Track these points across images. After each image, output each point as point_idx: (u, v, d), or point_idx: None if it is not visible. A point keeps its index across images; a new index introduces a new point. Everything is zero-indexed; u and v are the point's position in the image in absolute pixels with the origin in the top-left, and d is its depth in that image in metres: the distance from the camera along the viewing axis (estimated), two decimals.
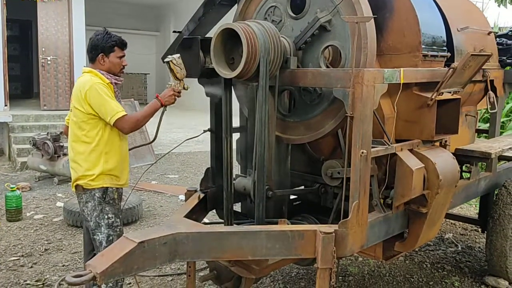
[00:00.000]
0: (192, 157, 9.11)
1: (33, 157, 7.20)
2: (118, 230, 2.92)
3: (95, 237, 2.90)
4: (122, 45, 2.94)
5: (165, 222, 2.89)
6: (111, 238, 2.87)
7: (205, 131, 3.33)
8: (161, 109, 2.93)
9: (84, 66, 2.97)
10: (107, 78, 2.87)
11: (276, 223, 2.71)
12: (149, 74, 18.37)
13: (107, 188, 2.86)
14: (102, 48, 2.86)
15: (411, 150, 2.81)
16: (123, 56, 2.95)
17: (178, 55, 2.82)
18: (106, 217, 2.87)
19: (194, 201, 3.10)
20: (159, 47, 18.53)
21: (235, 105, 2.98)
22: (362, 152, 2.39)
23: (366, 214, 2.53)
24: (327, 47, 2.72)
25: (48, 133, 7.21)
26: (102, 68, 2.89)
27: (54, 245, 4.65)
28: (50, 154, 6.82)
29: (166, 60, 2.78)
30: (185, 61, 3.00)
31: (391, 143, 2.72)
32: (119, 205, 2.95)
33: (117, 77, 2.93)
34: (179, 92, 2.90)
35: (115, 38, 2.89)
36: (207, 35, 3.33)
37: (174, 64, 2.79)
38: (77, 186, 2.89)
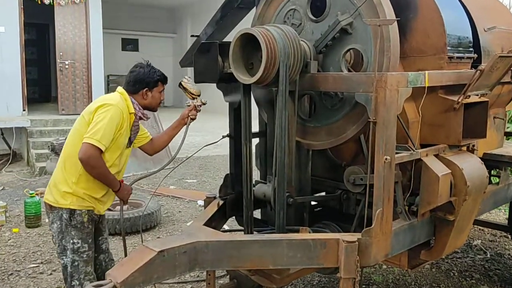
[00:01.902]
0: (211, 161, 9.16)
1: (52, 162, 7.35)
2: (85, 256, 2.78)
3: (60, 260, 2.82)
4: (165, 80, 2.98)
5: (185, 230, 2.91)
6: (76, 263, 2.76)
7: (224, 136, 3.35)
8: (185, 127, 3.09)
9: (120, 87, 2.91)
10: (135, 109, 2.82)
11: (297, 231, 2.71)
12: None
13: (74, 210, 2.73)
14: (147, 83, 2.87)
15: (437, 156, 2.78)
16: (163, 90, 3.00)
17: (187, 76, 2.98)
18: (71, 241, 2.75)
19: (213, 208, 3.11)
20: (176, 49, 18.72)
21: (254, 108, 3.00)
22: (386, 158, 2.37)
23: (390, 222, 2.51)
24: (348, 50, 2.71)
25: (66, 138, 7.35)
26: (142, 102, 2.87)
27: None
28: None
29: (179, 83, 2.98)
30: (203, 65, 3.04)
31: (416, 149, 2.70)
32: (90, 228, 2.81)
33: (144, 113, 2.91)
34: (198, 108, 3.07)
35: (159, 73, 2.93)
36: (225, 39, 3.36)
37: (186, 82, 2.87)
38: (45, 203, 2.81)
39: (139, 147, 3.13)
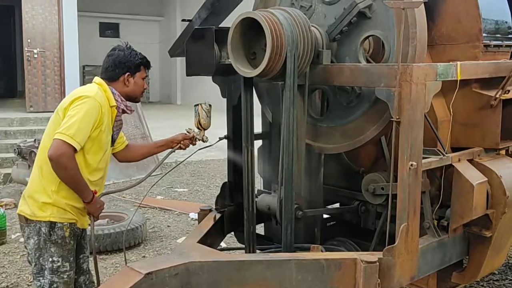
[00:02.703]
0: (204, 166, 9.16)
1: (18, 168, 7.34)
2: (65, 276, 2.76)
3: (36, 282, 2.79)
4: (148, 64, 2.96)
5: (176, 249, 2.90)
6: (55, 285, 2.73)
7: (221, 138, 3.36)
8: (169, 150, 3.09)
9: (98, 77, 2.90)
10: (116, 101, 2.82)
11: (307, 249, 2.72)
12: (151, 68, 18.56)
13: (55, 223, 2.70)
14: (128, 67, 2.85)
15: (470, 161, 2.79)
16: (146, 77, 2.99)
17: (209, 103, 2.98)
18: (50, 259, 2.72)
19: (209, 222, 3.12)
20: (163, 36, 18.73)
21: (257, 105, 3.01)
22: (411, 164, 2.38)
23: (416, 239, 2.51)
24: (367, 37, 2.72)
25: (35, 139, 7.34)
26: (124, 91, 2.86)
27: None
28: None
29: (196, 104, 2.99)
30: (196, 55, 3.05)
31: (446, 153, 2.70)
32: (72, 244, 2.79)
33: (127, 105, 2.89)
34: (194, 141, 3.08)
35: (141, 56, 2.92)
36: (222, 25, 3.37)
37: (203, 109, 2.92)
38: (19, 216, 2.78)
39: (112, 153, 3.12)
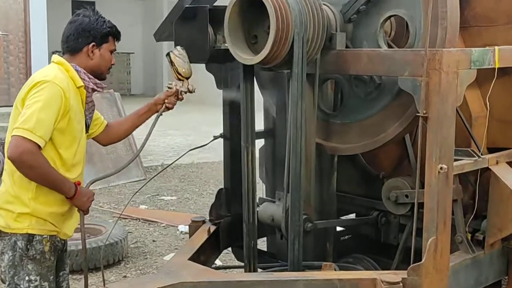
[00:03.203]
0: (195, 170, 9.17)
1: None
2: None
3: None
4: (118, 34, 2.93)
5: (163, 267, 2.91)
6: None
7: (215, 137, 3.36)
8: (155, 114, 3.02)
9: (57, 55, 2.88)
10: (83, 80, 2.79)
11: (318, 267, 2.72)
12: (133, 53, 18.60)
13: (33, 235, 2.70)
14: (94, 36, 2.80)
15: (511, 164, 2.79)
16: (114, 51, 2.95)
17: (181, 47, 2.91)
18: (26, 278, 2.71)
19: (202, 236, 3.13)
20: (148, 16, 18.76)
21: (258, 98, 3.01)
22: (441, 168, 2.38)
23: (447, 256, 2.51)
24: (388, 18, 2.72)
25: None
26: (88, 64, 2.82)
27: None
28: (0, 170, 6.97)
29: (167, 53, 2.91)
30: (187, 39, 3.05)
31: (482, 154, 2.70)
32: (52, 261, 2.79)
33: (97, 83, 2.86)
34: (180, 95, 3.01)
35: (110, 24, 2.89)
36: (217, 3, 3.38)
37: (176, 56, 2.86)
38: None
39: (92, 138, 3.12)
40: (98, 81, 2.86)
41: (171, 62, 2.94)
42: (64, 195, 2.73)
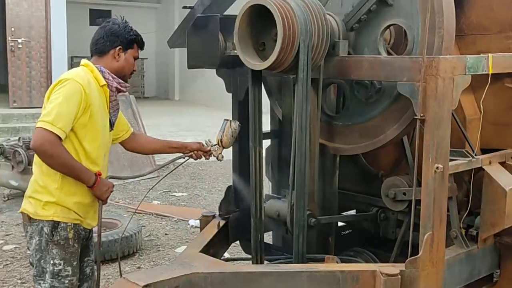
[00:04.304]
0: (205, 168, 9.17)
1: (1, 169, 7.38)
2: (67, 282, 2.78)
3: (36, 285, 2.82)
4: (142, 43, 2.97)
5: (177, 259, 2.91)
6: None
7: None
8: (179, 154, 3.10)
9: (85, 59, 2.90)
10: (107, 79, 2.82)
11: (321, 260, 2.72)
12: (147, 59, 18.60)
13: (58, 222, 2.75)
14: (121, 40, 2.86)
15: (503, 164, 2.79)
16: (137, 58, 2.99)
17: (239, 123, 3.00)
18: (51, 262, 2.76)
19: (212, 230, 3.13)
20: (161, 24, 18.76)
21: (265, 101, 3.01)
22: (437, 167, 2.38)
23: (442, 250, 2.51)
24: (388, 27, 2.72)
25: (19, 138, 7.37)
26: (113, 66, 2.86)
27: (29, 284, 4.76)
28: (22, 166, 6.99)
29: (226, 118, 3.01)
30: (199, 46, 3.06)
31: (475, 154, 2.70)
32: (75, 247, 2.83)
33: (121, 82, 2.89)
34: (208, 156, 3.10)
35: (136, 33, 2.93)
36: (227, 12, 3.38)
37: (231, 127, 2.94)
38: (22, 214, 2.84)
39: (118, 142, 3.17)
40: (121, 81, 2.90)
41: (223, 128, 2.99)
42: (84, 183, 2.76)
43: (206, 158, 3.14)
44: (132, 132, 3.20)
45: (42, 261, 2.79)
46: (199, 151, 3.10)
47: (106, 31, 2.87)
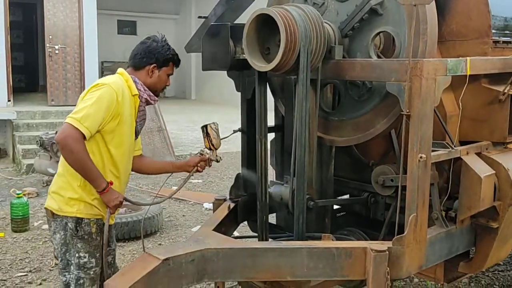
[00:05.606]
0: None
1: (41, 159, 7.42)
2: (91, 272, 2.71)
3: (61, 277, 2.73)
4: (178, 62, 2.85)
5: (192, 236, 2.91)
6: (81, 281, 2.68)
7: (235, 131, 3.35)
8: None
9: (121, 68, 2.81)
10: (139, 89, 2.71)
11: (318, 238, 2.72)
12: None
13: (82, 219, 2.65)
14: (157, 58, 2.73)
15: (479, 154, 2.77)
16: (171, 74, 2.86)
17: (216, 122, 2.92)
18: (76, 255, 2.67)
19: (223, 211, 3.13)
20: (179, 33, 18.75)
21: (270, 99, 3.00)
22: (421, 157, 2.37)
23: (425, 229, 2.51)
24: (378, 33, 2.71)
25: (57, 131, 7.40)
26: (146, 81, 2.74)
27: None
28: (59, 156, 7.02)
29: (203, 125, 2.90)
30: (212, 51, 3.05)
31: (454, 146, 2.69)
32: (98, 240, 2.73)
33: (151, 95, 2.76)
34: (210, 162, 2.99)
35: (173, 52, 2.79)
36: (237, 21, 3.37)
37: (213, 128, 2.86)
38: (46, 210, 2.73)
39: None
40: (152, 94, 2.77)
41: (207, 133, 2.90)
42: (95, 188, 2.61)
43: (209, 166, 3.01)
44: (141, 154, 3.04)
45: (67, 254, 2.70)
46: (201, 163, 2.98)
47: (145, 48, 2.74)
